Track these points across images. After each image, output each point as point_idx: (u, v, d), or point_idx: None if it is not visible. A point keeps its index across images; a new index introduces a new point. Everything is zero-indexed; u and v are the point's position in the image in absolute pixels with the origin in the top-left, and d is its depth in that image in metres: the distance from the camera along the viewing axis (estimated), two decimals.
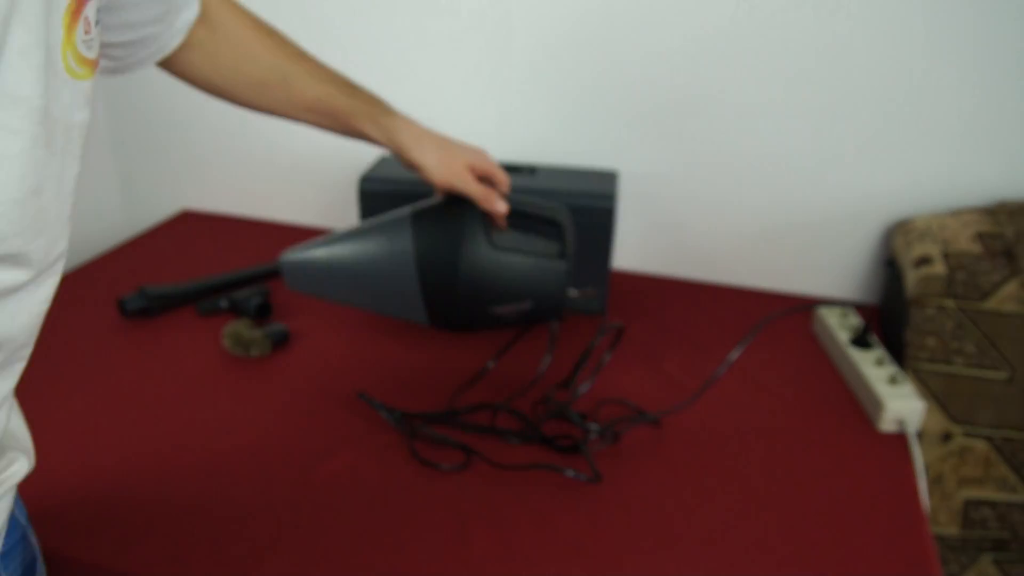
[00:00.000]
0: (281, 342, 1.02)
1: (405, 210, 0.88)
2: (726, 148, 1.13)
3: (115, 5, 0.60)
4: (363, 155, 1.29)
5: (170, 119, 1.40)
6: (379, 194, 1.09)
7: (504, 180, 0.87)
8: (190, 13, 0.70)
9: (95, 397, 0.91)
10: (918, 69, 1.01)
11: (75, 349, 1.01)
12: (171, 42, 0.69)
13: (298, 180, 1.38)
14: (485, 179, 0.86)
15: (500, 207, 0.84)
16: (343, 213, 1.38)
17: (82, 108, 0.44)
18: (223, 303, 1.10)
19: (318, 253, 0.89)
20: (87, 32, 0.42)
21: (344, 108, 0.79)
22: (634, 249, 1.24)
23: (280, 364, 0.98)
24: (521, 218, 0.87)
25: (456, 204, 0.86)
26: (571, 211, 1.03)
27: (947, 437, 0.92)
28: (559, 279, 0.86)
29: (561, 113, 1.18)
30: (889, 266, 1.08)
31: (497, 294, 0.86)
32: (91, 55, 0.43)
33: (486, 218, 0.85)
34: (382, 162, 1.17)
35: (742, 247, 1.19)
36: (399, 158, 0.83)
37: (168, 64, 0.74)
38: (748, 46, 1.06)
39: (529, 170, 1.13)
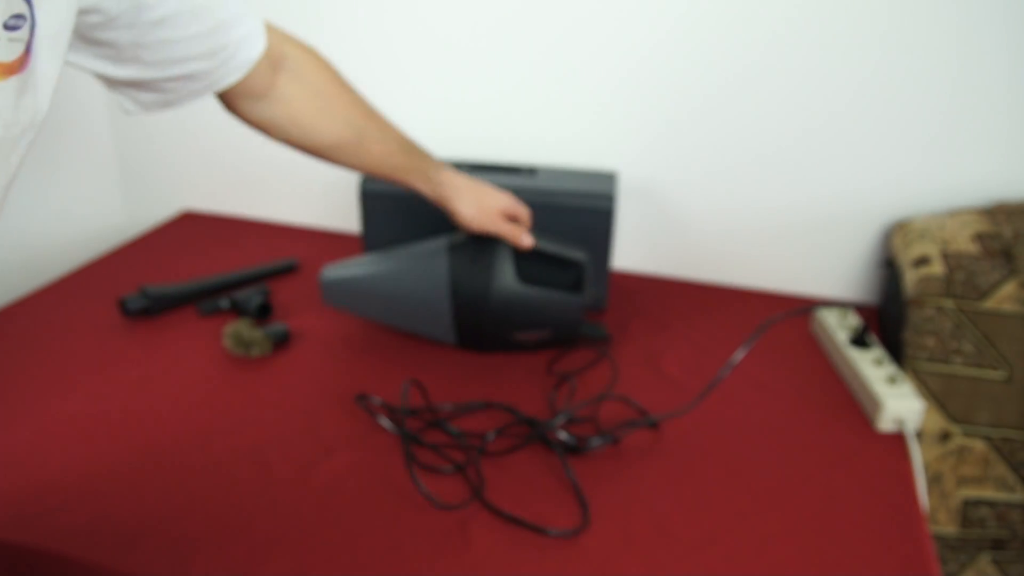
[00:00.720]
0: (282, 342, 1.02)
1: (441, 240, 0.97)
2: (725, 149, 1.13)
3: (147, 43, 0.58)
4: None
5: (171, 120, 1.40)
6: (380, 194, 1.09)
7: (527, 217, 0.96)
8: (251, 51, 0.68)
9: (95, 397, 0.91)
10: (916, 70, 1.01)
11: (76, 349, 1.01)
12: (227, 77, 0.68)
13: (299, 180, 1.38)
14: (512, 218, 0.95)
15: (526, 241, 0.93)
16: (344, 214, 1.38)
17: None
18: (224, 303, 1.10)
19: (357, 272, 0.98)
20: None
21: (402, 165, 0.85)
22: (634, 249, 1.24)
23: (281, 364, 0.98)
24: (546, 256, 0.95)
25: (488, 240, 0.94)
26: (571, 211, 1.04)
27: (946, 437, 0.92)
28: (576, 312, 0.95)
29: (561, 113, 1.18)
30: (888, 266, 1.08)
31: (521, 322, 0.95)
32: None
33: (515, 254, 0.94)
34: None
35: (741, 248, 1.19)
36: (440, 205, 0.91)
37: (247, 114, 0.74)
38: (748, 47, 1.06)
39: (529, 171, 1.13)
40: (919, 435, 0.90)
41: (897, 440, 0.85)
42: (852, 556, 0.70)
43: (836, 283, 1.17)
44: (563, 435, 0.83)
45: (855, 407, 0.91)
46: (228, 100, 0.72)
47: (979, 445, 0.91)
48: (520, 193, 1.05)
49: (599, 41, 1.12)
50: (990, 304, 0.90)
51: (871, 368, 0.91)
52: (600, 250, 1.06)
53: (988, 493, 0.92)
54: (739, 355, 0.91)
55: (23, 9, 0.42)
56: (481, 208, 0.91)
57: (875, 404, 0.87)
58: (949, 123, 1.02)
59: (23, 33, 0.42)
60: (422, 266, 0.95)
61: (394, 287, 0.96)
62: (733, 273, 1.21)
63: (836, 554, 0.70)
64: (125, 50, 0.59)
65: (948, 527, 0.94)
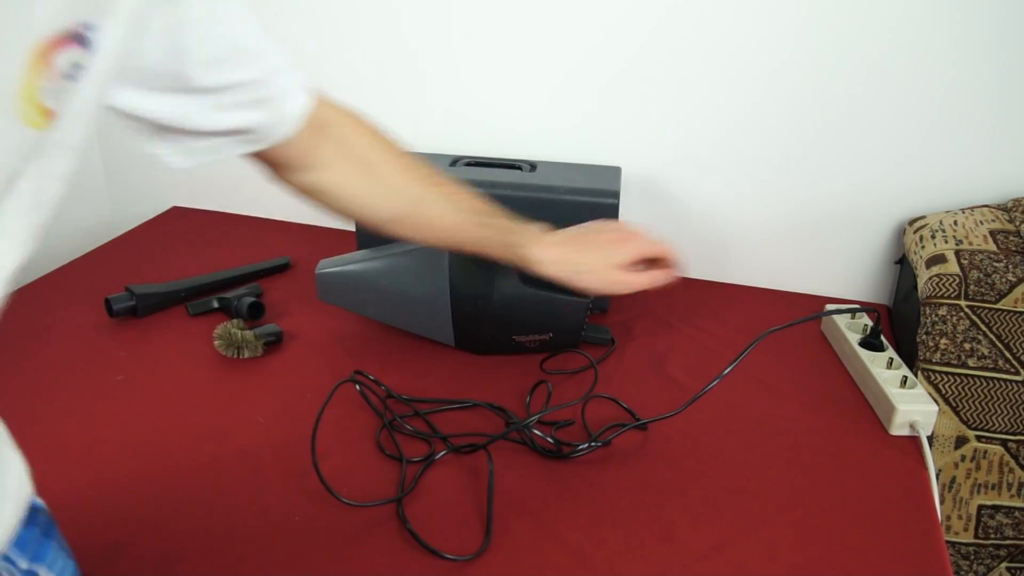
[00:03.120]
0: (273, 343, 0.99)
1: None
2: (733, 144, 1.11)
3: (193, 84, 0.53)
4: None
5: None
6: None
7: (666, 252, 0.83)
8: (296, 105, 0.62)
9: (79, 400, 0.89)
10: (929, 65, 0.99)
11: (60, 350, 0.98)
12: (274, 132, 0.62)
13: None
14: (648, 261, 0.83)
15: (669, 277, 0.83)
16: None
17: (25, 158, 0.38)
18: (214, 303, 1.08)
19: (353, 268, 0.95)
20: (50, 80, 0.37)
21: (477, 239, 0.77)
22: None
23: (273, 366, 0.96)
24: None
25: None
26: (573, 207, 1.01)
27: (960, 441, 0.90)
28: (580, 316, 0.93)
29: (562, 107, 1.15)
30: (900, 264, 1.06)
31: (523, 325, 0.93)
32: (51, 105, 0.38)
33: None
34: None
35: (748, 246, 1.17)
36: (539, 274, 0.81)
37: (293, 184, 0.69)
38: (756, 42, 1.04)
39: (530, 166, 1.10)
40: (932, 439, 0.88)
41: (910, 444, 0.83)
42: (864, 564, 0.68)
43: (847, 282, 1.15)
44: (548, 439, 0.81)
45: (867, 410, 0.88)
46: (272, 169, 0.68)
47: (995, 450, 0.89)
48: (520, 189, 1.03)
49: (603, 31, 1.09)
50: (1006, 304, 0.87)
51: (883, 370, 0.89)
52: None
53: (1005, 500, 0.89)
54: (731, 368, 0.86)
55: (84, 59, 0.39)
56: (596, 268, 0.80)
57: (887, 407, 0.84)
58: (962, 117, 1.00)
59: (76, 83, 0.39)
60: (422, 262, 0.92)
61: (391, 283, 0.93)
62: (740, 272, 1.19)
63: (847, 562, 0.68)
64: (167, 85, 0.54)
65: (963, 535, 0.91)
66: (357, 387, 0.88)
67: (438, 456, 0.80)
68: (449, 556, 0.68)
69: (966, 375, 0.89)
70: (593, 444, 0.81)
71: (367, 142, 0.71)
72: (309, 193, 0.70)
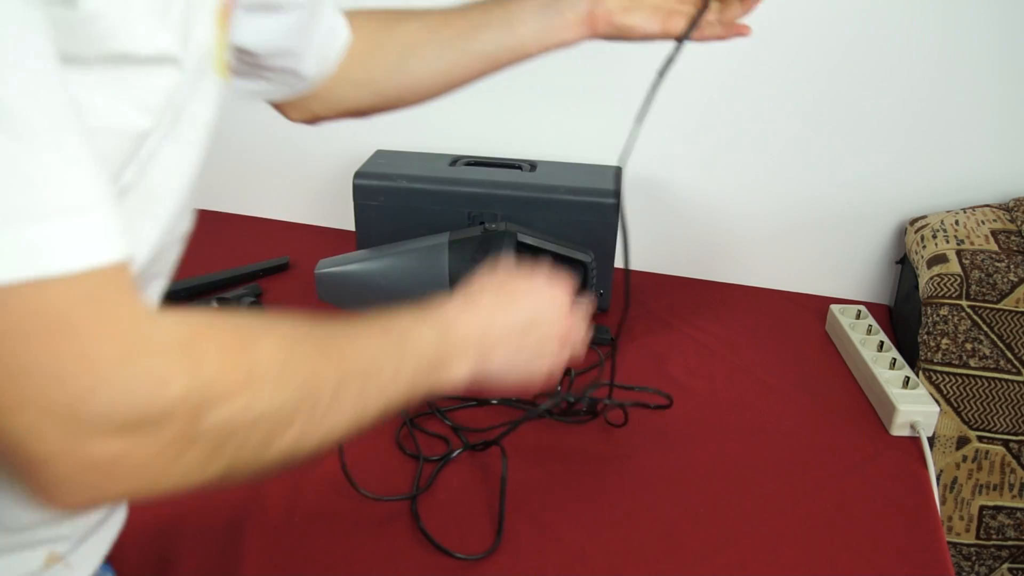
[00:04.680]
0: None
1: (442, 236, 0.94)
2: (734, 143, 1.11)
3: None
4: (358, 150, 1.26)
5: None
6: (373, 189, 1.06)
7: None
8: (338, 39, 0.66)
9: None
10: (931, 65, 0.99)
11: None
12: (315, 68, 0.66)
13: (291, 176, 1.35)
14: None
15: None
16: (337, 209, 1.35)
17: (218, 110, 0.44)
18: (214, 303, 1.07)
19: (353, 268, 0.95)
20: (227, 38, 0.42)
21: (465, 29, 0.69)
22: (638, 247, 1.21)
23: None
24: (550, 256, 0.93)
25: (491, 236, 0.91)
26: (573, 207, 1.01)
27: (962, 442, 0.90)
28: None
29: (563, 107, 1.15)
30: (901, 264, 1.05)
31: None
32: (228, 59, 0.43)
33: (518, 253, 0.91)
34: (376, 156, 1.14)
35: (749, 245, 1.16)
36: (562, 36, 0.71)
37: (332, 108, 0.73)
38: (758, 42, 1.03)
39: (530, 165, 1.10)
40: (934, 440, 0.88)
41: (912, 444, 0.83)
42: (865, 565, 0.68)
43: (847, 282, 1.14)
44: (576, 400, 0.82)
45: (869, 410, 0.88)
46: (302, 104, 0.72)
47: (997, 451, 0.89)
48: (520, 189, 1.02)
49: None
50: (1008, 304, 0.87)
51: (885, 370, 0.89)
52: (603, 247, 1.03)
53: (1007, 501, 0.89)
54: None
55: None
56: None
57: (888, 407, 0.84)
58: (964, 117, 1.00)
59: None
60: (421, 262, 0.93)
61: (391, 283, 0.93)
62: (741, 271, 1.18)
63: (848, 563, 0.68)
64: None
65: (964, 536, 0.91)
66: None
67: (454, 454, 0.80)
68: (459, 555, 0.68)
69: (967, 375, 0.89)
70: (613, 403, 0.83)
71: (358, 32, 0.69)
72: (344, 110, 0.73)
